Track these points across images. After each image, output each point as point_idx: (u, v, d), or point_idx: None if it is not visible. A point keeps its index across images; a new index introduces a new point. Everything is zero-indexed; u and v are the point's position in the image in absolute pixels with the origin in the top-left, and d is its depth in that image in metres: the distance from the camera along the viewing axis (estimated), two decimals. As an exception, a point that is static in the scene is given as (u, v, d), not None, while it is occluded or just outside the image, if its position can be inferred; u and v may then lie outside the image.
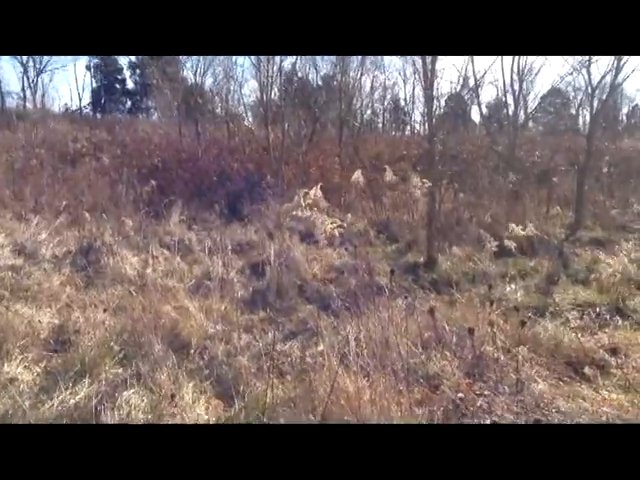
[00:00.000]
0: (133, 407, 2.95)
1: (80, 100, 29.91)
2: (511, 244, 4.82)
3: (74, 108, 28.95)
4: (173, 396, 2.97)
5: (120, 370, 3.55)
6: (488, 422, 2.50)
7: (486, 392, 2.95)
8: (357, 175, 5.72)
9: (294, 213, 6.27)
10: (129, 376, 3.28)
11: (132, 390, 3.11)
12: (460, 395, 2.91)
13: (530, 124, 19.99)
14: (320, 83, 19.24)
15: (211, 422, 3.03)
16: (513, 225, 4.70)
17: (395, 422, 2.74)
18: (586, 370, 3.48)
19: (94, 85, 29.54)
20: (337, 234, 4.69)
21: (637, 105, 35.02)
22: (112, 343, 3.83)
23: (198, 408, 3.12)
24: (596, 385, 3.30)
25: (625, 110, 34.21)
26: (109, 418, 2.82)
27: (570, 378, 3.34)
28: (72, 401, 3.07)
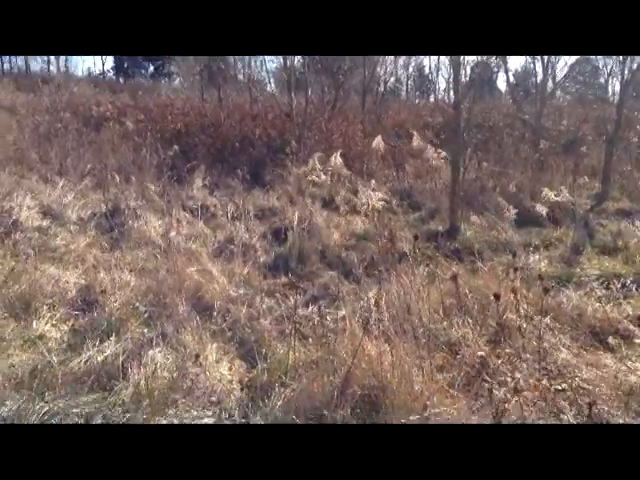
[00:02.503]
0: (158, 365, 3.01)
1: (103, 64, 29.91)
2: (542, 209, 4.72)
3: (97, 72, 28.98)
4: (197, 356, 3.03)
5: (145, 330, 3.62)
6: (511, 387, 2.50)
7: (509, 358, 2.95)
8: (378, 141, 5.67)
9: (309, 178, 6.27)
10: (154, 336, 3.34)
11: (157, 349, 3.18)
12: (481, 361, 2.92)
13: (558, 93, 19.54)
14: (345, 49, 18.93)
15: (234, 382, 3.09)
16: (547, 190, 4.60)
17: (416, 387, 2.76)
18: (610, 340, 3.45)
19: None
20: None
21: (670, 74, 33.96)
22: (137, 304, 3.90)
23: (222, 368, 3.18)
24: (620, 354, 3.28)
25: (658, 79, 33.21)
26: (135, 375, 2.89)
27: (593, 347, 3.32)
28: (99, 358, 3.14)
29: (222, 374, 3.11)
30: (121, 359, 3.03)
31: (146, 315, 3.81)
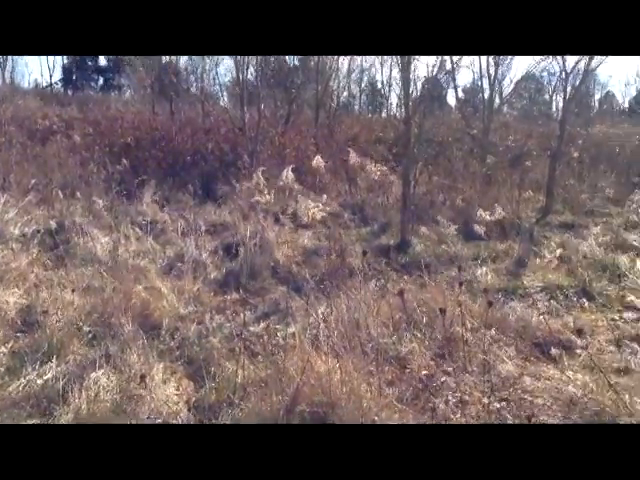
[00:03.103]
0: (101, 388, 2.92)
1: (51, 76, 29.13)
2: (481, 229, 4.85)
3: (44, 84, 28.26)
4: (143, 376, 2.95)
5: (89, 351, 3.52)
6: (456, 400, 2.53)
7: (454, 372, 2.99)
8: (317, 160, 5.73)
9: (255, 198, 6.27)
10: (98, 357, 3.25)
11: (101, 371, 3.09)
12: (428, 375, 2.95)
13: (505, 109, 20.11)
14: (297, 64, 19.06)
15: (181, 402, 3.03)
16: (481, 211, 4.73)
17: (365, 403, 2.77)
18: (552, 351, 3.55)
19: (65, 61, 28.78)
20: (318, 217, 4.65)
21: (609, 91, 35.50)
22: (81, 324, 3.79)
23: (168, 389, 3.11)
24: (562, 365, 3.37)
25: (597, 96, 34.67)
26: (77, 400, 2.80)
27: (537, 358, 3.40)
28: (39, 382, 3.04)
29: (169, 395, 3.04)
30: (62, 382, 2.93)
31: (90, 335, 3.71)
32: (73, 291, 4.23)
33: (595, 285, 4.98)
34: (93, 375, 3.02)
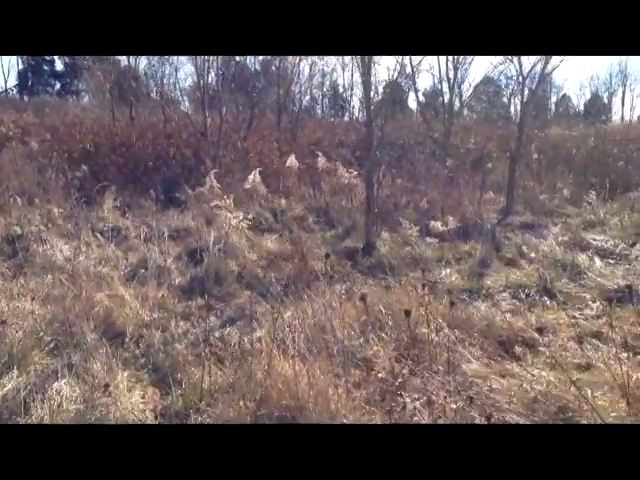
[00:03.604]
0: (64, 398, 2.86)
1: (5, 82, 28.45)
2: (433, 240, 4.96)
3: (-1, 90, 27.56)
4: (107, 385, 2.90)
5: (51, 361, 3.44)
6: (423, 400, 2.56)
7: (420, 372, 3.02)
8: (292, 160, 5.72)
9: (215, 203, 6.24)
10: (60, 367, 3.18)
11: (63, 381, 3.02)
12: (395, 375, 2.97)
13: (465, 112, 20.48)
14: (258, 68, 19.05)
15: (147, 411, 2.98)
16: (432, 222, 4.84)
17: (332, 405, 2.77)
18: (516, 349, 3.62)
19: (20, 66, 28.14)
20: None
21: (565, 94, 36.53)
22: (42, 333, 3.70)
23: (133, 397, 3.06)
24: (525, 363, 3.44)
25: (554, 99, 35.62)
26: (39, 410, 2.74)
27: (501, 357, 3.46)
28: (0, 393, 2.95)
29: (134, 403, 2.99)
30: (23, 394, 2.86)
31: (52, 345, 3.62)
32: (33, 300, 4.13)
33: (556, 284, 5.09)
34: (55, 385, 2.95)
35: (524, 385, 2.99)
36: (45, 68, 28.78)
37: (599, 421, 2.52)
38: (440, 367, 3.07)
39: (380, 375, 3.06)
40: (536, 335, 3.89)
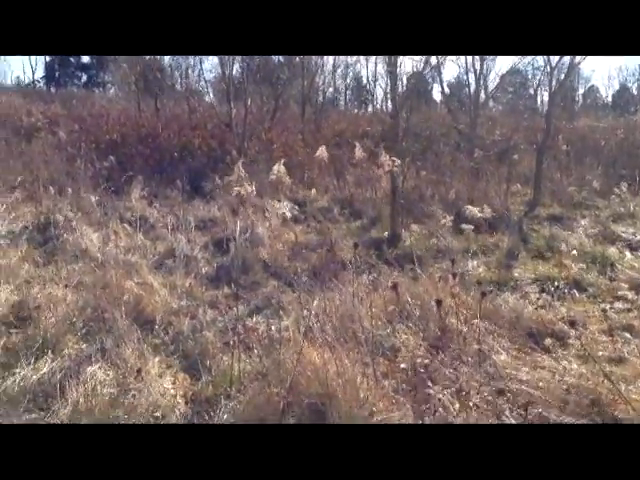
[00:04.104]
0: (98, 382, 2.91)
1: (33, 74, 28.82)
2: (468, 227, 4.87)
3: (27, 82, 27.96)
4: (139, 370, 2.95)
5: (84, 346, 3.51)
6: (454, 390, 2.56)
7: (450, 362, 3.02)
8: (321, 151, 5.70)
9: (238, 189, 6.26)
10: (93, 352, 3.24)
11: (97, 365, 3.08)
12: (424, 366, 2.97)
13: (490, 103, 20.22)
14: (282, 59, 19.02)
15: (178, 396, 3.02)
16: (469, 207, 4.75)
17: (361, 394, 2.78)
18: (546, 341, 3.58)
19: (48, 59, 28.44)
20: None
21: (593, 85, 35.86)
22: (74, 319, 3.77)
23: (165, 382, 3.11)
24: (556, 355, 3.41)
25: (581, 90, 35.02)
26: (74, 394, 2.79)
27: (531, 349, 3.42)
28: (35, 377, 3.02)
29: (165, 388, 3.04)
30: (58, 377, 2.92)
31: (84, 331, 3.69)
32: (66, 286, 4.20)
33: (585, 277, 5.03)
34: (89, 369, 3.01)
35: (555, 377, 2.97)
36: (72, 60, 29.05)
37: (632, 414, 2.50)
38: (469, 358, 3.06)
39: (408, 365, 3.06)
40: (566, 327, 3.85)
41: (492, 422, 2.55)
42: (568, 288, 4.85)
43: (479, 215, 4.79)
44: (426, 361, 2.97)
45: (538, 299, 4.62)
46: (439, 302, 3.08)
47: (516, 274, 5.26)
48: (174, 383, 3.17)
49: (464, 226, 4.87)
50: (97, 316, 3.80)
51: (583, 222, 7.58)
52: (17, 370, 3.08)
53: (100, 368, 3.06)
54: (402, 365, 3.13)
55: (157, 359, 3.33)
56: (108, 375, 3.01)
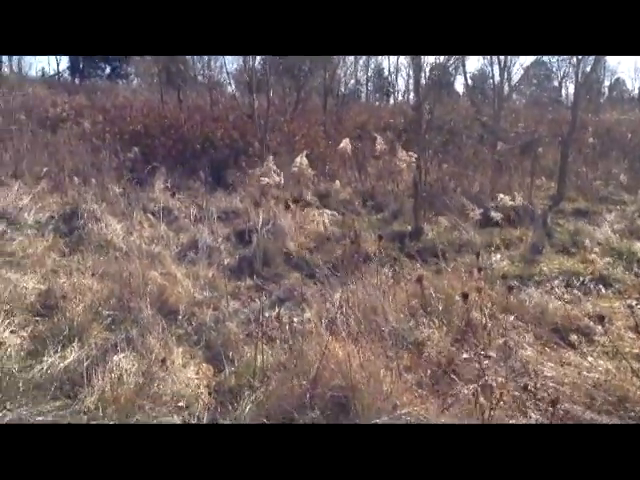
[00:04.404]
0: (124, 371, 2.95)
1: (58, 65, 29.15)
2: (497, 215, 4.80)
3: (52, 73, 28.27)
4: (164, 360, 2.98)
5: (109, 335, 3.54)
6: (479, 385, 2.53)
7: (474, 357, 2.99)
8: (345, 143, 5.67)
9: (264, 181, 6.26)
10: (119, 340, 3.28)
11: (122, 354, 3.11)
12: (448, 360, 2.95)
13: (514, 95, 19.96)
14: (305, 51, 18.93)
15: (202, 386, 3.05)
16: (502, 195, 4.68)
17: (385, 387, 2.78)
18: (571, 337, 3.54)
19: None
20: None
21: (619, 78, 35.19)
22: (100, 308, 3.81)
23: (189, 372, 3.13)
24: (582, 351, 3.37)
25: (607, 83, 34.38)
26: (100, 381, 2.83)
27: (556, 344, 3.39)
28: (62, 365, 3.06)
29: (189, 378, 3.07)
30: (85, 365, 2.96)
31: (109, 320, 3.73)
32: (93, 275, 4.25)
33: (611, 272, 4.95)
34: (115, 358, 3.05)
35: (582, 373, 2.93)
36: (96, 51, 29.24)
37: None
38: (494, 353, 3.03)
39: (432, 359, 3.04)
40: (591, 323, 3.80)
41: (518, 418, 2.53)
42: (594, 283, 4.78)
43: (509, 204, 4.70)
44: (450, 356, 2.95)
45: (563, 294, 4.56)
46: (465, 296, 3.05)
47: (540, 269, 5.19)
48: (198, 373, 3.19)
49: (493, 214, 4.78)
50: (122, 306, 3.84)
51: (609, 217, 7.45)
52: (44, 358, 3.12)
53: (125, 357, 3.09)
54: (424, 359, 3.11)
55: (181, 349, 3.36)
56: (133, 364, 3.04)
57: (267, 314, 4.10)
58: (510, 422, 2.52)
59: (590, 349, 3.47)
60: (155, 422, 2.66)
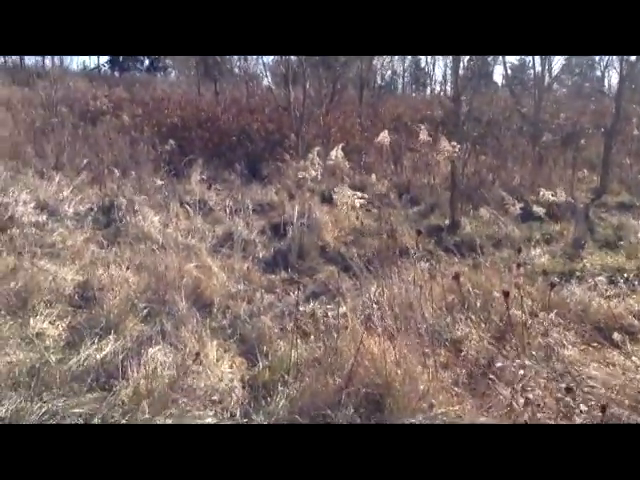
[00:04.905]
0: (158, 364, 2.96)
1: (98, 58, 29.59)
2: (539, 210, 4.65)
3: (92, 66, 28.77)
4: (198, 354, 2.98)
5: (145, 327, 3.57)
6: (520, 387, 2.46)
7: (515, 357, 2.90)
8: (384, 136, 5.58)
9: (301, 174, 6.21)
10: (154, 333, 3.29)
11: (157, 347, 3.12)
12: (487, 359, 2.87)
13: (555, 86, 19.44)
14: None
15: (235, 380, 3.03)
16: (544, 190, 4.53)
17: (421, 386, 2.72)
18: (615, 336, 3.41)
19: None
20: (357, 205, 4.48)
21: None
22: (136, 300, 3.84)
23: (223, 366, 3.13)
24: (626, 351, 3.23)
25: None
26: (135, 374, 2.84)
27: (599, 344, 3.26)
28: (98, 357, 3.09)
29: (223, 372, 3.06)
30: (120, 357, 2.98)
31: (145, 312, 3.76)
32: (128, 268, 4.29)
33: (657, 268, 4.77)
34: (150, 351, 3.06)
35: (627, 375, 2.82)
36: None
37: None
38: (535, 352, 2.94)
39: (470, 357, 2.97)
40: (636, 322, 3.66)
41: (560, 423, 2.44)
42: (638, 280, 4.61)
43: (551, 199, 4.54)
44: (488, 355, 2.87)
45: (606, 290, 4.40)
46: (506, 294, 2.94)
47: (582, 265, 5.04)
48: (231, 367, 3.18)
49: (536, 208, 4.63)
50: (157, 298, 3.86)
51: (655, 210, 7.20)
52: (81, 350, 3.16)
53: (160, 350, 3.10)
54: (462, 357, 3.04)
55: (215, 343, 3.35)
56: (168, 357, 3.05)
57: (301, 308, 4.08)
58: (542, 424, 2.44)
59: (635, 349, 3.33)
60: (189, 416, 2.66)
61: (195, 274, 4.37)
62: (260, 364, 3.19)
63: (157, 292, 3.95)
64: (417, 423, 2.48)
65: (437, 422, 2.44)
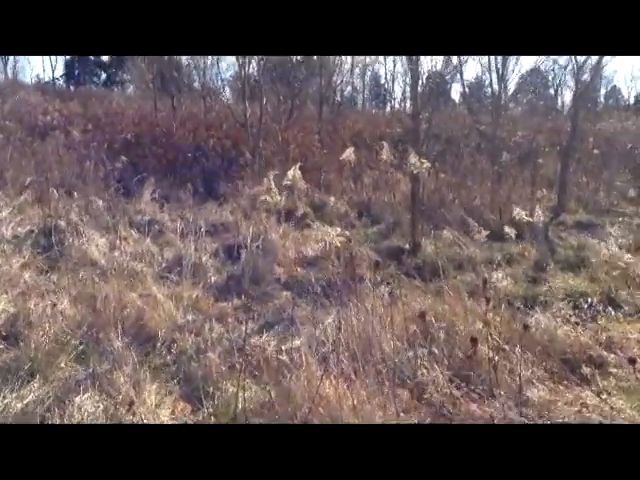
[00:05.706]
0: (86, 414, 2.62)
1: (53, 71, 28.88)
2: (511, 232, 4.49)
3: (46, 80, 27.99)
4: (132, 403, 2.66)
5: (77, 368, 3.22)
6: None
7: (480, 398, 2.69)
8: (348, 153, 5.37)
9: (263, 198, 5.94)
10: (85, 377, 2.96)
11: (86, 394, 2.79)
12: (452, 403, 2.65)
13: (511, 104, 19.71)
14: (300, 58, 18.71)
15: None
16: (518, 209, 4.37)
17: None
18: (584, 369, 3.23)
19: (67, 57, 28.38)
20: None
21: (615, 86, 35.08)
22: (69, 337, 3.49)
23: (162, 413, 2.81)
24: (597, 388, 3.05)
25: (603, 91, 34.23)
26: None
27: (568, 380, 3.07)
28: (18, 406, 2.73)
29: (162, 422, 2.75)
30: (41, 409, 2.63)
31: (79, 349, 3.41)
32: (64, 299, 3.93)
33: (620, 292, 4.65)
34: (77, 400, 2.72)
35: (601, 416, 2.62)
36: (91, 58, 28.96)
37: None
38: (502, 392, 2.73)
39: (433, 399, 2.74)
40: (604, 352, 3.50)
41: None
42: (602, 305, 4.48)
43: (525, 219, 4.38)
44: (452, 396, 2.65)
45: (571, 316, 4.25)
46: (474, 340, 2.71)
47: (545, 288, 4.89)
48: (173, 413, 2.87)
49: (507, 229, 4.48)
50: (92, 334, 3.52)
51: (613, 230, 7.16)
52: (1, 396, 2.80)
53: (89, 398, 2.77)
54: (425, 399, 2.81)
55: (155, 385, 3.03)
56: (98, 407, 2.72)
57: (254, 340, 3.80)
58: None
59: (605, 383, 3.16)
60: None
61: (139, 304, 4.05)
62: (204, 410, 2.89)
63: (93, 327, 3.60)
64: (417, 423, 2.47)
65: None
